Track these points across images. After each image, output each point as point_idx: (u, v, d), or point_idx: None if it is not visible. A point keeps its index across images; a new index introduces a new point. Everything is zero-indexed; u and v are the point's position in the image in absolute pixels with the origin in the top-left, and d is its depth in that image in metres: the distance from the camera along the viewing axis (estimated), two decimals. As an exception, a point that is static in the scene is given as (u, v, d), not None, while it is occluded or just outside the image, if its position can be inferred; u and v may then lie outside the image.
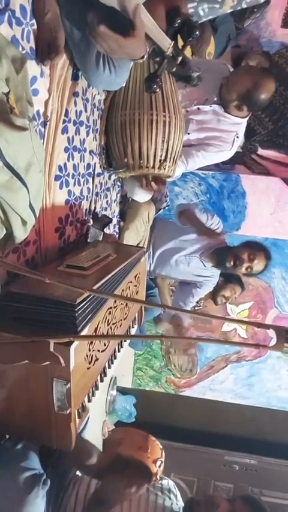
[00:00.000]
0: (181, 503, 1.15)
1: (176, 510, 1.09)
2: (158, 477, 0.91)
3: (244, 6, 1.15)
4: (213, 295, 2.25)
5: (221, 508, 1.10)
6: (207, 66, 1.74)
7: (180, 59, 0.95)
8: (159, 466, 0.91)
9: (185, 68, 0.99)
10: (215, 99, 1.75)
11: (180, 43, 0.97)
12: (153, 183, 1.46)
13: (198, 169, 2.08)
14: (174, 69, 0.98)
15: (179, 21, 0.93)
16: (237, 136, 1.84)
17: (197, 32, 0.92)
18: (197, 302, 2.81)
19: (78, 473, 1.06)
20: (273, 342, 0.51)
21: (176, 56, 0.94)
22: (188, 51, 1.98)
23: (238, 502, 1.13)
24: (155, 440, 0.95)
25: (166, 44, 0.90)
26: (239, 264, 1.93)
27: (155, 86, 0.95)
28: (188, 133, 1.79)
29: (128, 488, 0.86)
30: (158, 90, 0.97)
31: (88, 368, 0.84)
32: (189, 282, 2.15)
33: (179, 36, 0.96)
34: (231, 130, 1.81)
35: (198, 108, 1.77)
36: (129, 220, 1.75)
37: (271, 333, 0.51)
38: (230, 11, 1.18)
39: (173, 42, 0.91)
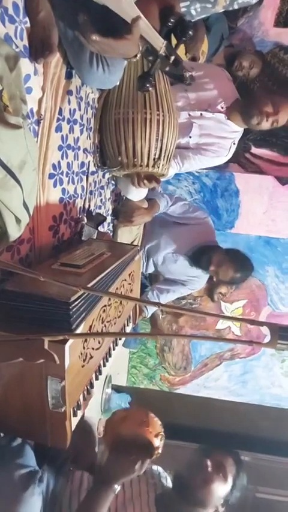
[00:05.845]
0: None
1: (167, 486, 1.15)
2: (160, 451, 0.94)
3: (236, 7, 1.16)
4: (210, 292, 2.26)
5: (210, 460, 1.15)
6: (205, 72, 1.76)
7: (173, 58, 0.96)
8: (161, 440, 0.94)
9: (178, 67, 0.99)
10: (217, 107, 1.77)
11: (174, 42, 0.97)
12: (145, 181, 1.46)
13: (192, 168, 2.09)
14: (167, 68, 0.98)
15: (172, 20, 0.93)
16: (234, 143, 1.87)
17: (191, 32, 0.93)
18: (194, 300, 2.83)
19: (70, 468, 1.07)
20: (267, 339, 0.51)
21: (168, 55, 0.95)
22: (182, 50, 1.99)
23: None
24: (155, 416, 0.99)
25: (159, 43, 0.90)
26: (208, 267, 1.91)
27: (148, 85, 0.95)
28: (190, 137, 1.79)
29: (133, 464, 0.88)
30: (150, 89, 0.97)
31: (83, 366, 0.84)
32: (175, 280, 2.11)
33: (172, 35, 0.97)
34: (229, 137, 1.84)
35: (201, 114, 1.78)
36: (123, 218, 1.75)
37: (265, 330, 0.52)
38: (222, 11, 1.18)
39: (166, 41, 0.91)
